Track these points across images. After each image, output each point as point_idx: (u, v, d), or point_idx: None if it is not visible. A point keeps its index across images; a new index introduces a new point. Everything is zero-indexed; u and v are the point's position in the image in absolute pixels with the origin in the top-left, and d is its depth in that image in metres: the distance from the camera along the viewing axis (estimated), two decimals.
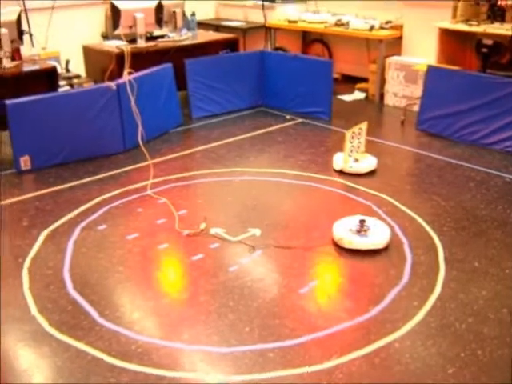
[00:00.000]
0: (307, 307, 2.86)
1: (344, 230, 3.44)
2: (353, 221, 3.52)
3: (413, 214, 3.79)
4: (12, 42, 4.79)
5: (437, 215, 3.78)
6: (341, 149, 4.78)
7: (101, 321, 2.75)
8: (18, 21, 4.87)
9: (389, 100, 6.31)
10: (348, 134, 4.34)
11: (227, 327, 2.71)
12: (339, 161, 4.50)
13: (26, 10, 6.00)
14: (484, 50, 5.41)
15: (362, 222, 3.47)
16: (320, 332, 2.67)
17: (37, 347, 2.58)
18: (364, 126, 4.52)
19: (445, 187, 4.20)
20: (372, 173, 4.46)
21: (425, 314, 2.78)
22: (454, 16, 5.93)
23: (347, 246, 3.38)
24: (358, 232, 3.43)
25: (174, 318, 2.80)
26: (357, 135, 4.48)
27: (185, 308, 2.89)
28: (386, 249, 3.36)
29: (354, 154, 4.49)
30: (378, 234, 3.44)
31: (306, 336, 2.64)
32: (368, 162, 4.52)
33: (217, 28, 7.58)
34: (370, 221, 3.53)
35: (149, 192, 4.12)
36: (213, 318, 2.77)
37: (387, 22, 6.53)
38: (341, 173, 4.46)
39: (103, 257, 3.32)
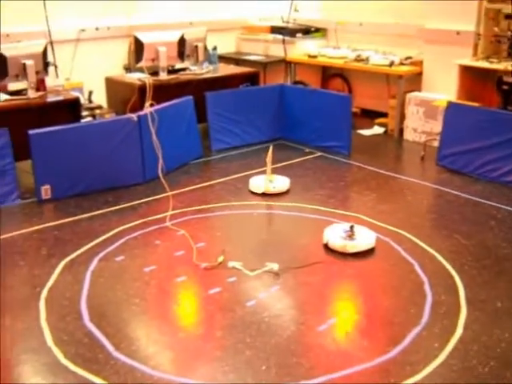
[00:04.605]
0: (325, 346, 2.81)
1: (339, 238, 3.76)
2: (337, 229, 3.86)
3: (433, 252, 3.74)
4: (37, 73, 4.88)
5: (457, 253, 3.73)
6: (360, 185, 4.78)
7: (116, 354, 2.73)
8: (44, 52, 4.97)
9: (408, 135, 6.30)
10: (267, 157, 4.72)
11: (244, 364, 2.67)
12: (258, 184, 4.77)
13: (51, 42, 6.14)
14: (505, 87, 5.40)
15: (352, 227, 3.80)
16: (337, 373, 2.61)
17: (52, 380, 2.56)
18: (271, 148, 4.77)
19: (465, 225, 4.15)
20: (288, 192, 4.79)
21: (446, 356, 2.71)
22: (475, 53, 5.95)
23: (351, 250, 3.70)
24: (350, 237, 3.75)
25: (190, 354, 2.76)
26: (270, 158, 4.75)
27: (201, 343, 2.85)
28: (405, 286, 3.31)
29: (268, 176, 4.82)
30: (365, 235, 3.82)
31: (322, 376, 2.58)
32: (282, 181, 4.83)
33: (237, 62, 7.67)
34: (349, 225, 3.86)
35: (167, 224, 4.13)
36: (229, 355, 2.74)
37: (407, 58, 6.57)
38: (264, 195, 4.70)
39: (120, 288, 3.31)
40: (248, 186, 4.85)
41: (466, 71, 5.86)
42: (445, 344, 2.80)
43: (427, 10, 6.32)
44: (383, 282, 3.40)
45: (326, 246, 3.81)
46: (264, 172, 4.89)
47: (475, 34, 5.94)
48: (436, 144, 5.58)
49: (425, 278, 3.41)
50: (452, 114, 5.29)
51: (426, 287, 3.32)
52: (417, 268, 3.54)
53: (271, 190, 4.71)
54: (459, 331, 2.90)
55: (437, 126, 5.83)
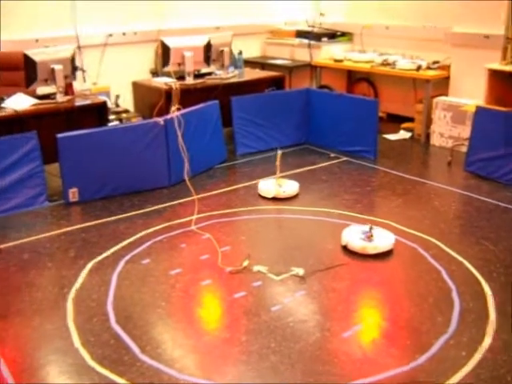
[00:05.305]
0: (351, 352, 2.79)
1: (359, 239, 3.77)
2: (355, 231, 3.86)
3: (461, 259, 3.69)
4: (66, 77, 4.95)
5: (486, 260, 3.67)
6: (386, 190, 4.74)
7: (142, 357, 2.74)
8: (73, 57, 5.04)
9: (435, 140, 6.24)
10: (277, 161, 4.68)
11: (269, 370, 2.66)
12: (268, 188, 4.74)
13: (79, 47, 6.23)
14: None
15: (371, 228, 3.82)
16: (365, 379, 2.59)
17: (78, 381, 2.58)
18: (279, 153, 4.69)
19: (494, 231, 4.08)
20: (297, 196, 4.77)
21: (474, 365, 2.67)
22: (504, 57, 5.86)
23: (372, 251, 3.71)
24: (369, 238, 3.77)
25: (215, 357, 2.76)
26: (279, 162, 4.73)
27: (226, 347, 2.85)
28: (432, 294, 3.27)
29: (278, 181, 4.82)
30: (384, 236, 3.83)
31: (349, 383, 2.56)
32: (292, 185, 4.80)
33: (263, 66, 7.68)
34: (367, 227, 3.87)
35: (193, 227, 4.15)
36: (254, 359, 2.73)
37: (434, 62, 6.51)
38: (274, 199, 4.68)
39: (146, 291, 3.33)
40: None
41: (495, 75, 5.77)
42: (473, 353, 2.75)
43: (455, 13, 6.26)
44: (410, 289, 3.36)
45: (346, 248, 3.81)
46: (288, 176, 4.89)
47: (505, 37, 5.85)
48: (463, 149, 5.51)
49: (452, 286, 3.36)
50: (480, 118, 5.22)
51: (454, 294, 3.27)
52: (444, 275, 3.49)
53: (281, 194, 4.70)
54: (488, 340, 2.85)
55: (464, 131, 5.76)
